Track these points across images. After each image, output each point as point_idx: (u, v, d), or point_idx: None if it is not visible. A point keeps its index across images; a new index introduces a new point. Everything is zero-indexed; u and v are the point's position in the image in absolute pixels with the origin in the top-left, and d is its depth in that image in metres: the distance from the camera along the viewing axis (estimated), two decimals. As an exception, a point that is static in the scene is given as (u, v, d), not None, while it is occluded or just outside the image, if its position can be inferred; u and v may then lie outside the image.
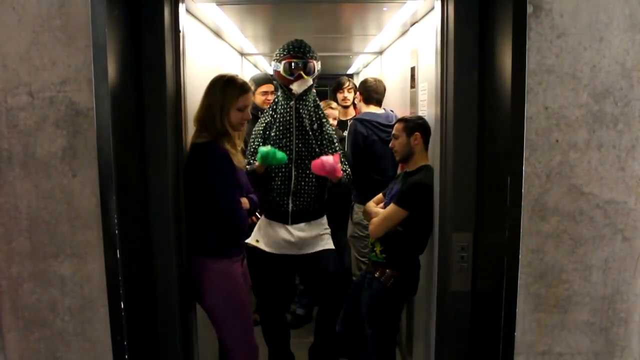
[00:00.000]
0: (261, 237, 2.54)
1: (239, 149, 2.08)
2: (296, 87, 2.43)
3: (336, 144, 2.59)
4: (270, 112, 2.54)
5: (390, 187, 2.42)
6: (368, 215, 2.39)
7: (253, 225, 2.56)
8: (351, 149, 3.04)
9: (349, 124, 3.38)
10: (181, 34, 1.69)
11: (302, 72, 2.41)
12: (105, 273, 1.36)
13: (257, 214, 2.17)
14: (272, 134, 2.49)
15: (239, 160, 2.07)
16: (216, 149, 1.95)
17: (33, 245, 1.36)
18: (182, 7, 1.70)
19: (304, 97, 2.49)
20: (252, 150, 2.53)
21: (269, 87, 3.31)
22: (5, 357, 1.40)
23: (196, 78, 2.30)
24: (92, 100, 1.31)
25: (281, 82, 2.47)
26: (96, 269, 1.37)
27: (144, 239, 1.59)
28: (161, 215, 1.61)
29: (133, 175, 1.51)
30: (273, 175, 2.48)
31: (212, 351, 2.63)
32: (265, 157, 2.33)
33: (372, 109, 3.20)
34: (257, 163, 2.39)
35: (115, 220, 1.34)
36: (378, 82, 3.29)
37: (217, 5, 2.38)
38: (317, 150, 2.49)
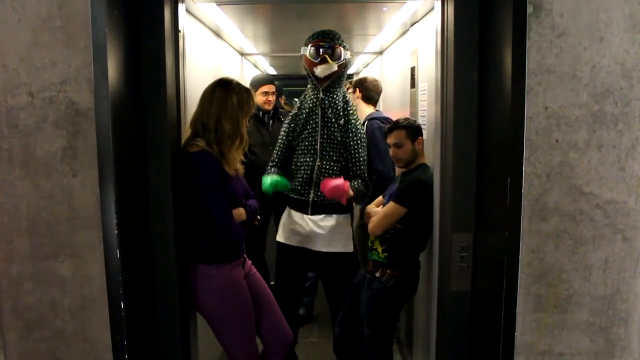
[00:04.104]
0: (281, 227, 2.59)
1: (239, 156, 2.03)
2: (320, 71, 2.43)
3: (363, 141, 2.56)
4: (298, 105, 2.58)
5: (390, 188, 2.43)
6: (368, 215, 2.39)
7: (255, 227, 2.55)
8: (378, 148, 2.90)
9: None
10: (181, 34, 1.69)
11: (327, 56, 2.42)
12: (105, 273, 1.36)
13: (258, 217, 2.15)
14: (300, 126, 2.52)
15: (237, 168, 2.02)
16: (209, 160, 1.88)
17: (33, 245, 1.36)
18: (182, 7, 1.71)
19: (332, 90, 2.49)
20: (279, 145, 2.60)
21: (270, 88, 3.31)
22: (5, 357, 1.40)
23: (196, 78, 2.30)
24: (92, 100, 1.31)
25: (308, 69, 2.49)
26: (96, 269, 1.37)
27: (144, 239, 1.59)
28: (161, 214, 1.61)
29: (133, 175, 1.51)
30: (298, 164, 2.52)
31: (212, 351, 2.63)
32: (271, 186, 2.42)
33: (372, 109, 3.18)
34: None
35: (115, 220, 1.35)
36: (377, 82, 3.27)
37: (217, 5, 2.38)
38: (340, 144, 2.50)
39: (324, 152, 2.49)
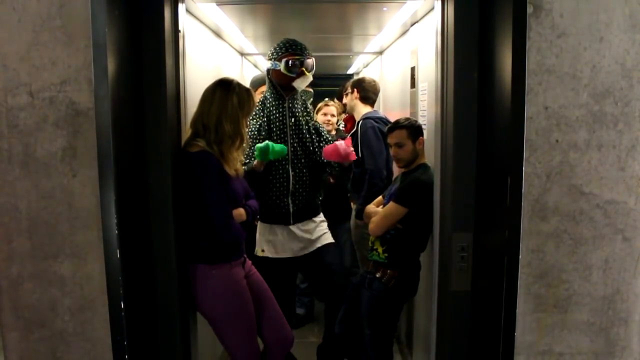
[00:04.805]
0: (265, 244, 2.53)
1: (239, 157, 2.03)
2: (299, 84, 2.44)
3: (328, 137, 2.64)
4: (260, 114, 2.52)
5: (390, 188, 2.43)
6: (368, 215, 2.39)
7: (255, 227, 2.55)
8: (371, 147, 2.94)
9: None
10: (181, 34, 1.69)
11: (304, 69, 2.41)
12: (105, 273, 1.36)
13: (258, 217, 2.14)
14: (266, 135, 2.47)
15: (237, 169, 2.02)
16: (210, 161, 1.88)
17: (33, 245, 1.36)
18: (182, 7, 1.71)
19: (295, 96, 2.51)
20: (249, 153, 2.49)
21: None
22: (5, 357, 1.40)
23: (196, 78, 2.30)
24: (92, 100, 1.31)
25: (279, 82, 2.46)
26: (96, 269, 1.37)
27: (144, 239, 1.59)
28: (161, 214, 1.61)
29: (133, 175, 1.51)
30: (270, 177, 2.46)
31: (212, 351, 2.63)
32: (264, 152, 2.29)
33: (369, 109, 3.19)
34: (255, 161, 2.36)
35: (115, 220, 1.35)
36: (375, 82, 3.28)
37: (217, 5, 2.38)
38: (311, 148, 2.52)
39: (296, 160, 2.48)
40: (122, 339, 1.38)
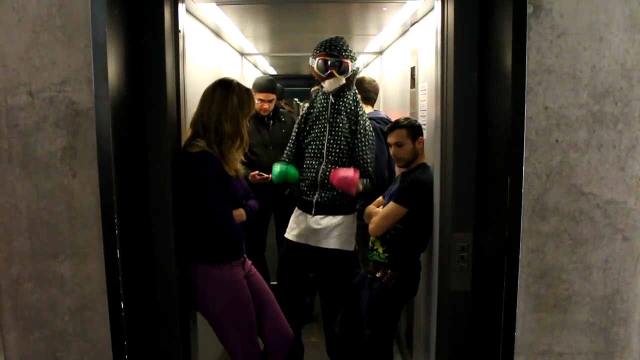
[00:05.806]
0: (289, 225, 2.64)
1: (239, 157, 2.03)
2: (327, 86, 2.46)
3: (370, 143, 2.56)
4: (308, 106, 2.62)
5: (390, 188, 2.43)
6: (368, 216, 2.39)
7: (255, 227, 2.55)
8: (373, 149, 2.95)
9: None
10: (181, 34, 1.69)
11: (334, 71, 2.42)
12: (105, 273, 1.36)
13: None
14: (308, 127, 2.56)
15: (237, 169, 2.02)
16: (210, 161, 1.88)
17: (33, 245, 1.36)
18: (182, 7, 1.71)
19: (342, 94, 2.50)
20: (289, 144, 2.65)
21: (266, 96, 3.24)
22: (5, 357, 1.40)
23: (196, 78, 2.30)
24: (92, 100, 1.32)
25: (317, 78, 2.52)
26: (96, 269, 1.37)
27: (144, 239, 1.59)
28: (161, 214, 1.61)
29: (133, 175, 1.51)
30: (304, 166, 2.55)
31: (212, 350, 2.63)
32: (280, 178, 2.51)
33: (370, 109, 3.19)
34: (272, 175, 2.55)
35: (115, 220, 1.35)
36: (375, 82, 3.29)
37: (217, 5, 2.38)
38: (348, 147, 2.52)
39: (330, 157, 2.51)
40: (122, 339, 1.38)
